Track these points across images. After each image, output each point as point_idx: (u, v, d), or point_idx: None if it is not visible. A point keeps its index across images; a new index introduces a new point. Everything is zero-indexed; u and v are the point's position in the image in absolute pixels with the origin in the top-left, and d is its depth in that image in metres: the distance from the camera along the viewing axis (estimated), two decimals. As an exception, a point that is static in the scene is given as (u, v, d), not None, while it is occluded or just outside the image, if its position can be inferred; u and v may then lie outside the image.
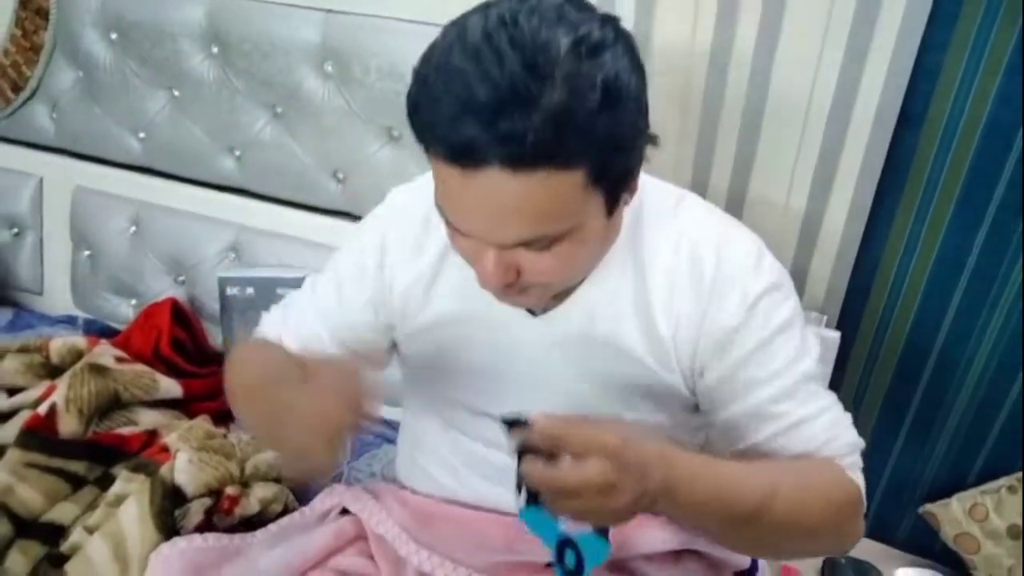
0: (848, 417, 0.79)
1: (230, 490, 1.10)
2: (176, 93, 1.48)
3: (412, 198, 0.88)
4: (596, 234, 0.70)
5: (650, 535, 0.88)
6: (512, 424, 0.63)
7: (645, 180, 0.75)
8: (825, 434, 0.76)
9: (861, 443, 0.78)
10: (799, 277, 1.19)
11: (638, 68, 0.64)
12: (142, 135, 1.53)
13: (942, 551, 1.35)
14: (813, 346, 0.79)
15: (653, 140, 0.69)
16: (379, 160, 1.38)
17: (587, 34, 0.60)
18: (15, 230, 1.67)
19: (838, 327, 1.22)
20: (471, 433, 0.90)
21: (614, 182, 0.66)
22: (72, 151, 1.62)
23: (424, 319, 0.86)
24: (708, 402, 0.81)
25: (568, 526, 0.67)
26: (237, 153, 1.47)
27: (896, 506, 1.41)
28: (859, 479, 0.77)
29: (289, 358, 0.79)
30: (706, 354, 0.77)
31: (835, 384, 1.31)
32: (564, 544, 0.68)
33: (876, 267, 1.21)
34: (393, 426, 1.18)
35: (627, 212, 0.76)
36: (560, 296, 0.79)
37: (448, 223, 0.69)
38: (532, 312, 0.81)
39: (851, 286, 1.20)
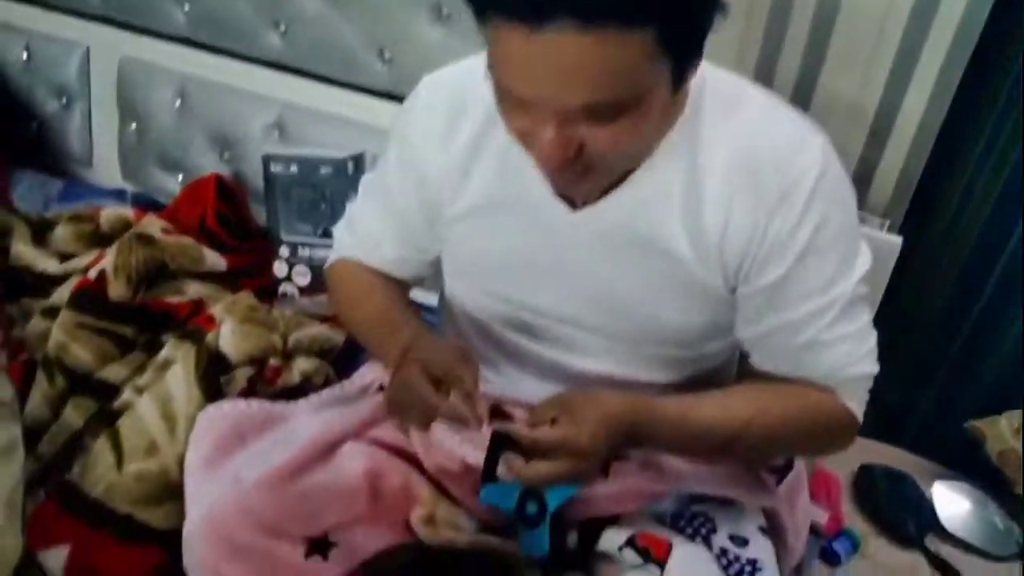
0: (868, 345, 0.81)
1: (273, 361, 1.13)
2: (219, -40, 1.44)
3: (439, 85, 0.86)
4: (660, 108, 0.67)
5: None
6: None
7: (705, 68, 0.72)
8: (836, 363, 0.79)
9: (871, 372, 0.81)
10: (864, 177, 1.14)
11: None
12: (187, 6, 1.50)
13: (984, 469, 1.34)
14: (861, 264, 0.79)
15: (723, 9, 0.64)
16: (427, 40, 1.34)
17: None
18: (64, 99, 1.68)
19: (901, 231, 1.17)
20: (505, 323, 0.90)
21: (683, 49, 0.64)
22: (118, 20, 1.60)
23: (460, 206, 0.85)
24: (742, 308, 0.81)
25: None
26: (282, 28, 1.44)
27: (942, 421, 1.40)
28: (856, 406, 0.82)
29: (394, 313, 0.92)
30: (756, 263, 0.77)
31: (892, 290, 1.27)
32: (525, 496, 0.77)
33: (947, 173, 1.15)
34: (434, 312, 1.19)
35: (687, 104, 0.74)
36: (605, 189, 0.77)
37: (505, 97, 0.66)
38: (572, 205, 0.79)
39: (918, 190, 1.14)
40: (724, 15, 0.65)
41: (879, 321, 1.32)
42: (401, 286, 1.01)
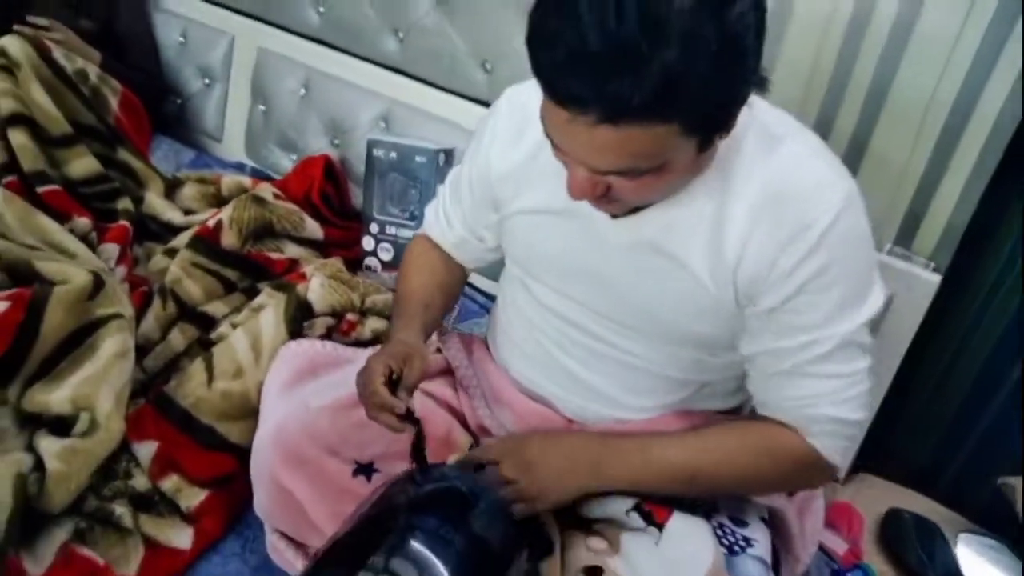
0: (855, 391, 0.82)
1: (350, 316, 1.27)
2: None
3: (519, 95, 0.96)
4: (684, 167, 0.74)
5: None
6: None
7: (756, 103, 0.76)
8: (813, 397, 0.82)
9: (852, 417, 0.82)
10: (912, 222, 1.18)
11: (761, 12, 0.64)
12: (322, 9, 1.70)
13: (1012, 526, 1.34)
14: (866, 311, 0.80)
15: (762, 84, 0.70)
16: (526, 57, 1.46)
17: None
18: (207, 80, 1.91)
19: (947, 278, 1.21)
20: (554, 306, 0.98)
21: (708, 130, 0.69)
22: (262, 16, 1.81)
23: (516, 205, 0.95)
24: (746, 326, 0.85)
25: None
26: (400, 35, 1.60)
27: (975, 476, 1.40)
28: (823, 446, 0.83)
29: (415, 303, 1.02)
30: (761, 289, 0.80)
31: (934, 339, 1.30)
32: None
33: (996, 227, 1.18)
34: (492, 298, 1.30)
35: (727, 143, 0.78)
36: (644, 206, 0.84)
37: (547, 137, 0.75)
38: (614, 215, 0.86)
39: (967, 236, 1.18)
40: (764, 90, 0.72)
41: (917, 364, 1.36)
42: (455, 273, 1.11)
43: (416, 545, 0.75)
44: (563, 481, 0.87)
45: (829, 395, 0.82)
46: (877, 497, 1.44)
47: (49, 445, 1.03)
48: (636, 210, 0.84)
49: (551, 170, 0.85)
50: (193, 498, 1.08)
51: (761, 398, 0.88)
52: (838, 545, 1.32)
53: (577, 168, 0.74)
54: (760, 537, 0.91)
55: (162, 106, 1.91)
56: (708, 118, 0.67)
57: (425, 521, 0.77)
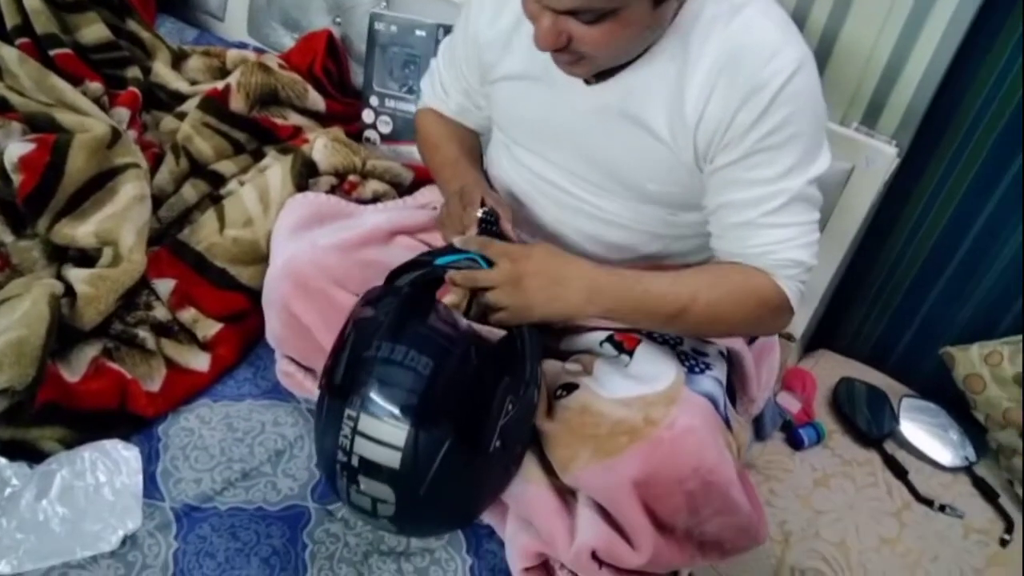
0: (808, 239, 0.91)
1: (352, 177, 1.36)
2: None
3: None
4: (639, 20, 0.82)
5: None
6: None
7: None
8: (772, 244, 0.90)
9: (807, 261, 0.91)
10: (877, 103, 1.26)
11: None
12: None
13: (952, 396, 1.47)
14: (816, 168, 0.89)
15: None
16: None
17: None
18: (209, -43, 1.92)
19: (908, 156, 1.30)
20: (532, 167, 1.08)
21: None
22: None
23: (500, 71, 1.05)
24: (706, 184, 0.94)
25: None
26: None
27: (921, 348, 1.52)
28: (789, 288, 0.91)
29: (462, 163, 1.12)
30: (719, 147, 0.89)
31: (889, 215, 1.40)
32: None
33: (955, 109, 1.27)
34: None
35: (688, 9, 0.86)
36: (612, 72, 0.93)
37: None
38: (587, 81, 0.95)
39: (927, 116, 1.26)
40: None
41: (874, 246, 1.46)
42: (473, 135, 1.21)
43: (381, 384, 0.82)
44: (552, 300, 0.90)
45: (790, 240, 0.91)
46: (832, 369, 1.57)
47: (77, 273, 1.12)
48: (604, 77, 0.93)
49: (529, 39, 0.92)
50: (209, 329, 1.19)
51: (727, 249, 0.96)
52: (792, 405, 1.45)
53: (542, 17, 0.82)
54: (718, 366, 1.02)
55: (165, -17, 1.93)
56: None
57: (395, 350, 0.84)
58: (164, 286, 1.21)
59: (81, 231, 1.15)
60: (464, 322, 0.96)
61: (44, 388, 1.01)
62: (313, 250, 1.08)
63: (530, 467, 0.95)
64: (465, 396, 0.85)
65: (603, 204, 1.03)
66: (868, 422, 1.44)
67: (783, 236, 0.91)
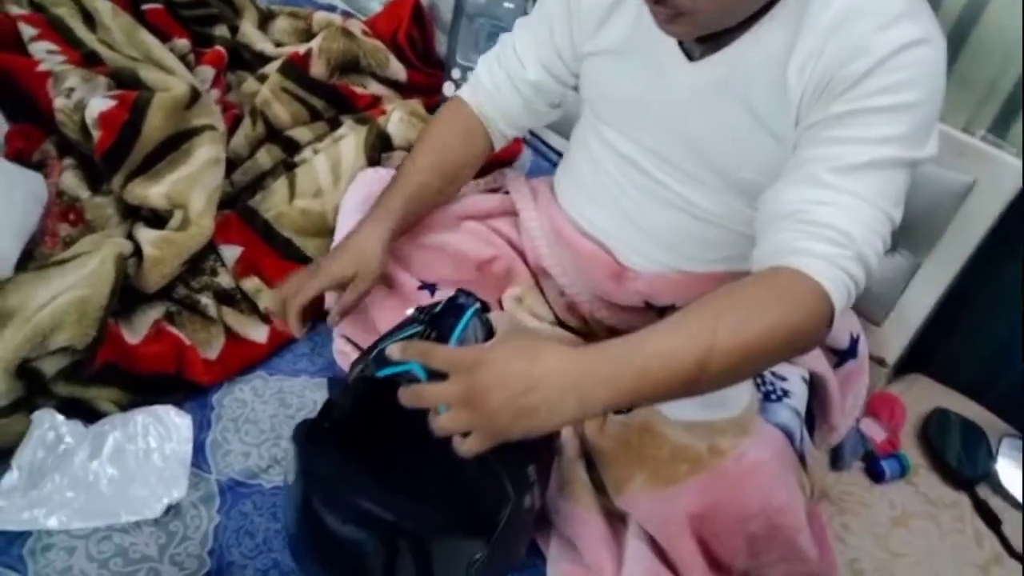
0: (867, 216, 0.71)
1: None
2: None
3: None
4: None
5: None
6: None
7: None
8: (813, 206, 0.71)
9: (857, 237, 0.71)
10: (1010, 109, 1.11)
11: None
12: None
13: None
14: (922, 151, 0.74)
15: None
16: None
17: None
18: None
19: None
20: (619, 148, 0.98)
21: None
22: None
23: (597, 43, 0.95)
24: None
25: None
26: None
27: (1032, 386, 1.38)
28: (820, 274, 0.70)
29: (395, 198, 1.01)
30: (812, 105, 0.76)
31: (1013, 220, 1.24)
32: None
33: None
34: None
35: None
36: (719, 46, 0.83)
37: None
38: (690, 57, 0.86)
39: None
40: None
41: (987, 260, 1.31)
42: (473, 148, 1.08)
43: None
44: (526, 415, 0.65)
45: (837, 205, 0.70)
46: (925, 396, 1.44)
47: (146, 234, 1.12)
48: (709, 52, 0.83)
49: (633, 12, 0.85)
50: (270, 300, 1.17)
51: (767, 211, 0.76)
52: (877, 433, 1.34)
53: None
54: (797, 391, 0.93)
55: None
56: None
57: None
58: (231, 252, 1.20)
59: (153, 191, 1.15)
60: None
61: (104, 348, 1.01)
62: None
63: (579, 488, 0.90)
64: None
65: (692, 196, 0.94)
66: (960, 460, 1.32)
67: (830, 199, 0.70)
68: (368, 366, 0.79)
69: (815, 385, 1.00)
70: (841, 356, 1.07)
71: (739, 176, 0.88)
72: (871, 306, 1.25)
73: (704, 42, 0.83)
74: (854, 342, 1.07)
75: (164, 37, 1.46)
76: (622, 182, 0.99)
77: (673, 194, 0.95)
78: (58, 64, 1.27)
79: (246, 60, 1.59)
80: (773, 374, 0.94)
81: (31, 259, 1.08)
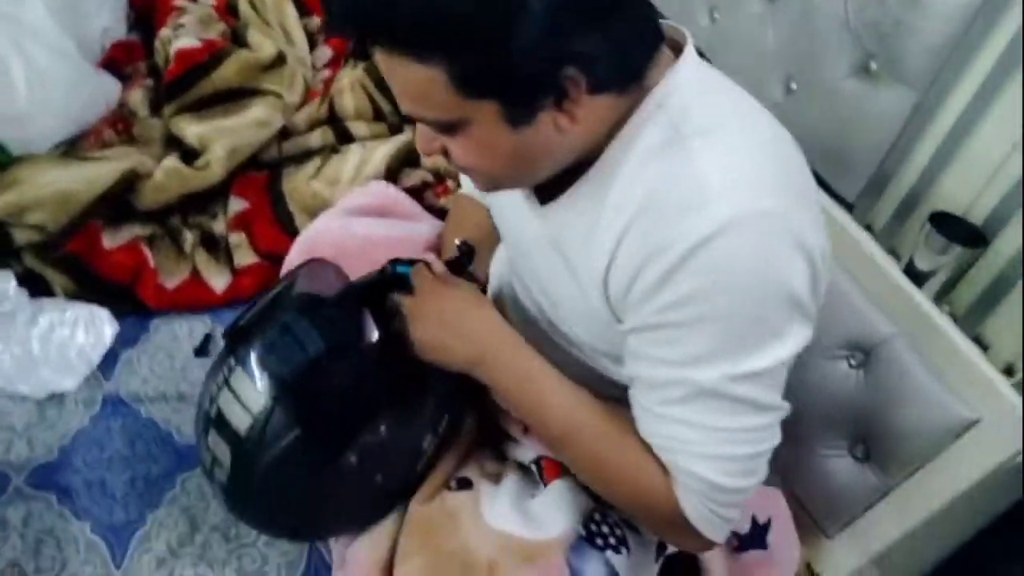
0: (720, 450, 0.66)
1: (449, 182, 1.33)
2: None
3: None
4: (496, 140, 0.64)
5: None
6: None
7: (698, 89, 0.66)
8: (674, 442, 0.68)
9: (714, 482, 0.67)
10: None
11: None
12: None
13: None
14: (755, 360, 0.64)
15: (586, 63, 0.59)
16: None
17: None
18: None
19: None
20: (507, 274, 0.95)
21: (492, 89, 0.60)
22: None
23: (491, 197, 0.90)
24: (625, 347, 0.72)
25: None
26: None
27: None
28: (689, 506, 0.68)
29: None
30: (625, 305, 0.68)
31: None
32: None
33: None
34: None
35: (621, 136, 0.66)
36: (552, 195, 0.74)
37: None
38: (541, 201, 0.76)
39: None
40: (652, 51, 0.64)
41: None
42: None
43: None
44: (438, 347, 0.79)
45: (692, 444, 0.67)
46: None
47: (166, 162, 1.23)
48: (544, 200, 0.75)
49: None
50: (245, 258, 1.24)
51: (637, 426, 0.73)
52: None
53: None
54: (638, 557, 0.83)
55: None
56: (475, 69, 0.58)
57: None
58: (236, 205, 1.28)
59: (191, 129, 1.26)
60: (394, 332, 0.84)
61: (76, 240, 1.12)
62: (342, 233, 1.08)
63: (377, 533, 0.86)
64: (338, 396, 0.79)
65: (553, 333, 0.86)
66: None
67: (683, 435, 0.68)
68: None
69: (677, 563, 0.88)
70: (743, 541, 0.94)
71: (576, 332, 0.80)
72: (819, 509, 1.08)
73: (540, 191, 0.76)
74: (760, 528, 0.94)
75: (304, 12, 1.61)
76: (509, 303, 0.94)
77: (546, 327, 0.87)
78: (190, 3, 1.44)
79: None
80: (618, 522, 0.84)
81: (72, 147, 1.23)
